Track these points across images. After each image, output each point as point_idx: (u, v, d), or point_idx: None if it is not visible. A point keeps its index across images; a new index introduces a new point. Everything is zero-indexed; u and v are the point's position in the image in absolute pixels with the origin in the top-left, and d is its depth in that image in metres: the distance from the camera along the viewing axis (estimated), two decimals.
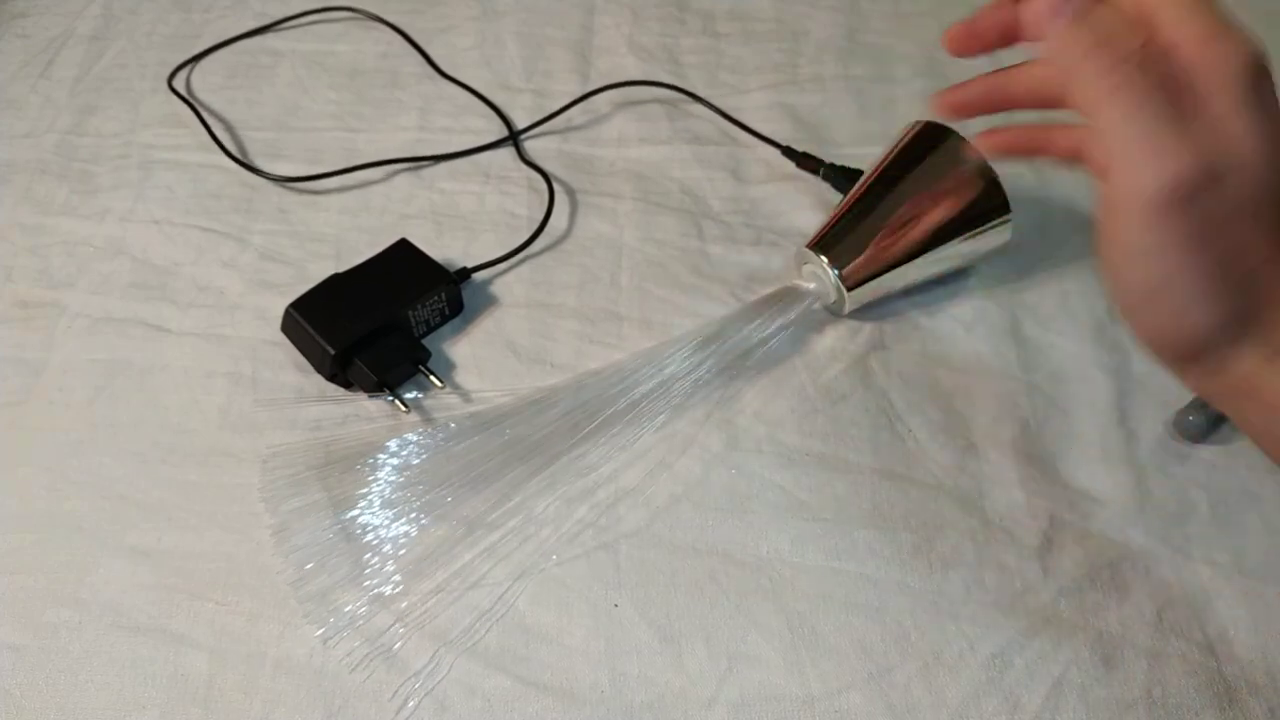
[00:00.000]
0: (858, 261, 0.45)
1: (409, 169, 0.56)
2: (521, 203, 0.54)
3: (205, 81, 0.62)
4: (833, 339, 0.47)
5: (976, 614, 0.38)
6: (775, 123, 0.57)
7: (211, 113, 0.60)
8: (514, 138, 0.58)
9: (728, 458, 0.43)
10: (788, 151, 0.55)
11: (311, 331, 0.45)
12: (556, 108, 0.59)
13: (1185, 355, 0.32)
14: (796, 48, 0.64)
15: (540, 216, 0.52)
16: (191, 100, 0.60)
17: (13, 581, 0.40)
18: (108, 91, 0.62)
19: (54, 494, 0.42)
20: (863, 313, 0.48)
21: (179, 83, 0.62)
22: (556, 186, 0.55)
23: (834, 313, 0.48)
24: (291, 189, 0.55)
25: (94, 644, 0.38)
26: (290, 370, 0.46)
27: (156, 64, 0.63)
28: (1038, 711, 0.36)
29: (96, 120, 0.60)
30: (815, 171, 0.54)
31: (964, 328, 0.48)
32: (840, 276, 0.45)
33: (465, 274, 0.49)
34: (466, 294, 0.49)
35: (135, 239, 0.53)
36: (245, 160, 0.56)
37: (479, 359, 0.47)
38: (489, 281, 0.50)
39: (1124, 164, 0.29)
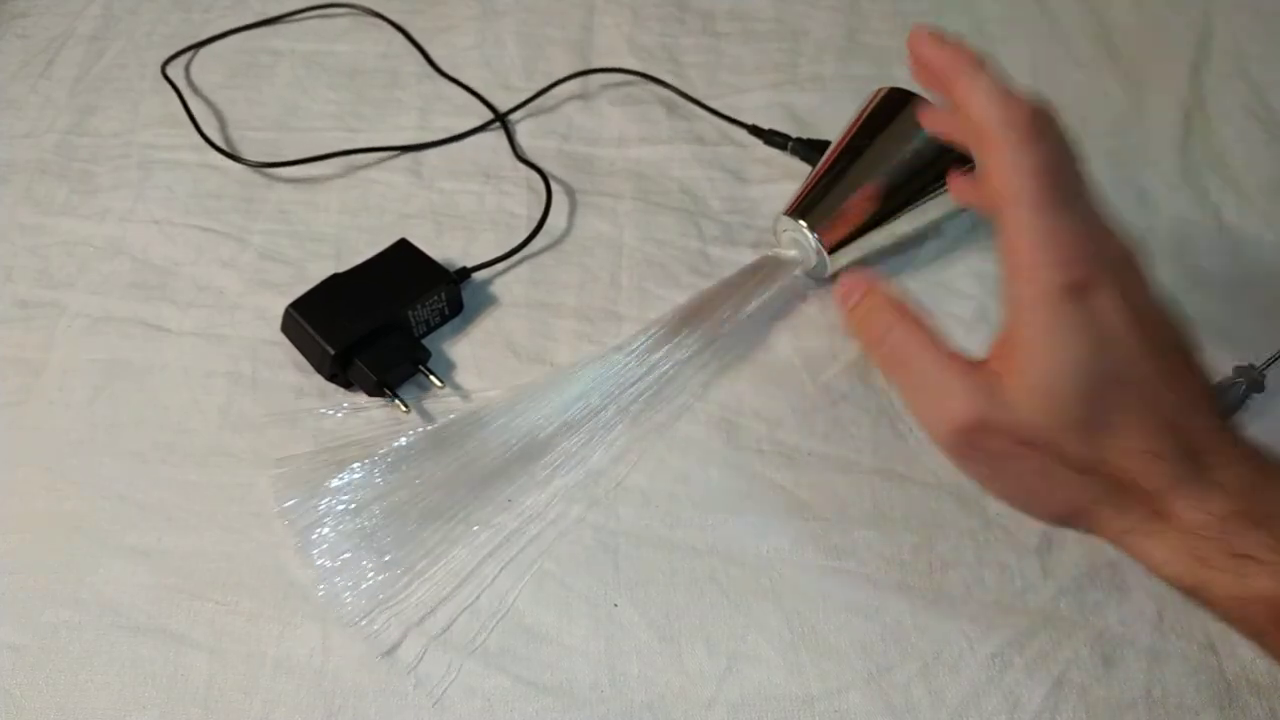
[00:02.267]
0: (835, 224, 0.47)
1: (409, 170, 0.56)
2: (521, 202, 0.54)
3: (205, 81, 0.62)
4: (832, 338, 0.47)
5: (976, 614, 0.38)
6: (775, 122, 0.57)
7: (211, 112, 0.60)
8: (501, 119, 0.58)
9: (728, 456, 0.43)
10: (754, 130, 0.57)
11: (311, 331, 0.45)
12: (556, 108, 0.59)
13: (1053, 522, 0.34)
14: (796, 48, 0.64)
15: (539, 216, 0.52)
16: (185, 97, 0.60)
17: (12, 581, 0.40)
18: (108, 91, 0.62)
19: (54, 494, 0.42)
20: None
21: (176, 76, 0.62)
22: (557, 186, 0.55)
23: (816, 278, 0.49)
24: (291, 189, 0.55)
25: (94, 644, 0.38)
26: (290, 370, 0.46)
27: (156, 64, 0.63)
28: (1038, 711, 0.36)
29: (96, 120, 0.60)
30: (783, 147, 0.56)
31: (964, 327, 0.47)
32: (819, 240, 0.46)
33: (465, 274, 0.49)
34: (466, 294, 0.49)
35: (135, 239, 0.53)
36: (229, 150, 0.56)
37: (479, 359, 0.47)
38: (489, 281, 0.50)
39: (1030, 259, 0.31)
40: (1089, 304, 0.31)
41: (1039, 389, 0.31)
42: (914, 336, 0.34)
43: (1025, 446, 0.31)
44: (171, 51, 0.64)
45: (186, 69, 0.63)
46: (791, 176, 0.55)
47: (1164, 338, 0.32)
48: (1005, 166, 0.32)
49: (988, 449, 0.32)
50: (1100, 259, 0.31)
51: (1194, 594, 0.31)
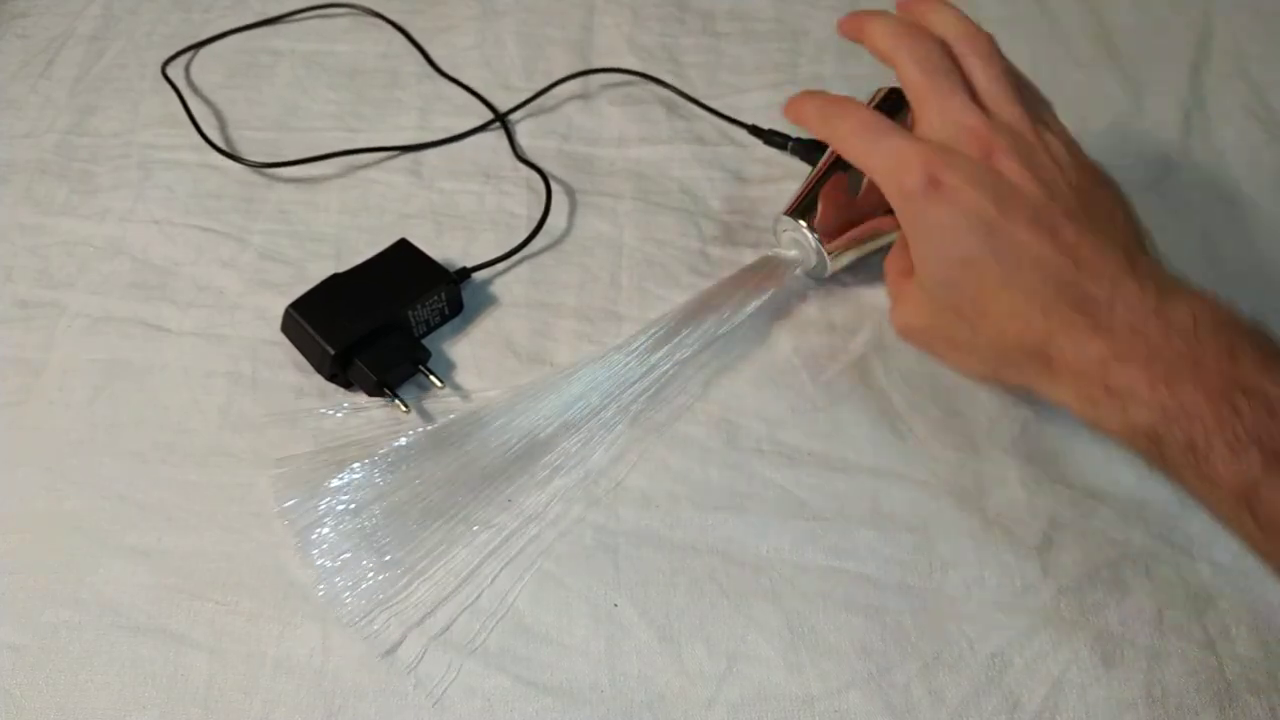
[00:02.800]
0: (835, 224, 0.46)
1: (409, 170, 0.56)
2: (521, 202, 0.54)
3: (205, 81, 0.62)
4: (832, 339, 0.47)
5: (976, 614, 0.38)
6: (775, 123, 0.57)
7: (211, 112, 0.60)
8: (501, 119, 0.58)
9: (728, 457, 0.43)
10: (754, 130, 0.56)
11: (311, 331, 0.45)
12: (556, 108, 0.59)
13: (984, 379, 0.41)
14: (796, 48, 0.64)
15: (539, 216, 0.52)
16: (185, 97, 0.60)
17: (12, 581, 0.40)
18: (108, 91, 0.62)
19: (53, 494, 0.42)
20: (863, 311, 0.48)
21: (176, 76, 0.62)
22: (557, 186, 0.55)
23: (816, 278, 0.49)
24: (291, 189, 0.55)
25: (94, 644, 0.38)
26: (290, 370, 0.46)
27: (156, 64, 0.63)
28: (1037, 711, 0.36)
29: (96, 120, 0.60)
30: (783, 147, 0.56)
31: None
32: (819, 240, 0.46)
33: (465, 274, 0.49)
34: (466, 294, 0.49)
35: (135, 239, 0.53)
36: (229, 150, 0.56)
37: (479, 359, 0.47)
38: (489, 281, 0.50)
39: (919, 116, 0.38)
40: (941, 196, 0.35)
41: (916, 293, 0.39)
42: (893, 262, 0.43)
43: (937, 337, 0.40)
44: (171, 51, 0.64)
45: (186, 69, 0.63)
46: (792, 176, 0.55)
47: (1043, 197, 0.35)
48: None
49: (921, 342, 0.41)
50: (954, 149, 0.36)
51: (1095, 428, 0.35)
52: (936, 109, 0.38)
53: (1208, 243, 0.51)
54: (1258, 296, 0.49)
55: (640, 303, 0.49)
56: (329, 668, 0.37)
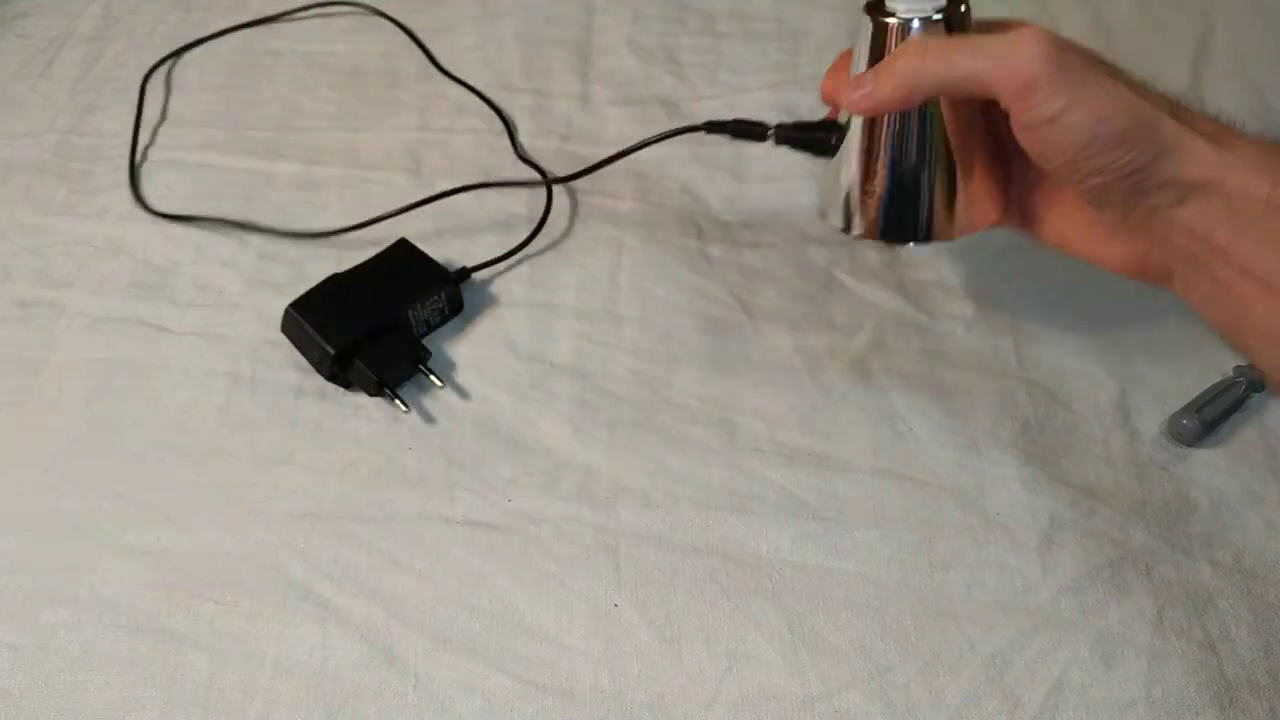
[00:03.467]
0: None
1: (409, 170, 0.56)
2: (521, 202, 0.54)
3: (206, 81, 0.62)
4: (832, 339, 0.47)
5: (976, 614, 0.38)
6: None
7: (211, 112, 0.60)
8: (502, 118, 0.58)
9: (728, 457, 0.43)
10: (710, 127, 0.44)
11: (311, 331, 0.45)
12: (556, 108, 0.59)
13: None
14: (796, 48, 0.64)
15: (539, 216, 0.52)
16: (186, 97, 0.60)
17: (11, 581, 0.40)
18: (108, 91, 0.62)
19: (52, 493, 0.42)
20: (863, 311, 0.48)
21: (176, 75, 0.62)
22: (557, 186, 0.55)
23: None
24: (292, 190, 0.55)
25: (93, 644, 0.38)
26: (290, 370, 0.46)
27: (156, 64, 0.63)
28: (1038, 711, 0.36)
29: (96, 120, 0.60)
30: (762, 139, 0.43)
31: (964, 326, 0.48)
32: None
33: (465, 274, 0.49)
34: (466, 294, 0.49)
35: (135, 239, 0.53)
36: (275, 227, 0.55)
37: (479, 358, 0.47)
38: (489, 281, 0.50)
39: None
40: (1077, 65, 0.38)
41: (1089, 123, 0.37)
42: None
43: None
44: (172, 51, 0.64)
45: (187, 69, 0.63)
46: (792, 176, 0.55)
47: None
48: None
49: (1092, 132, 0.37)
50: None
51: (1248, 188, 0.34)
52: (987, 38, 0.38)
53: None
54: None
55: (640, 302, 0.49)
56: (329, 668, 0.37)
